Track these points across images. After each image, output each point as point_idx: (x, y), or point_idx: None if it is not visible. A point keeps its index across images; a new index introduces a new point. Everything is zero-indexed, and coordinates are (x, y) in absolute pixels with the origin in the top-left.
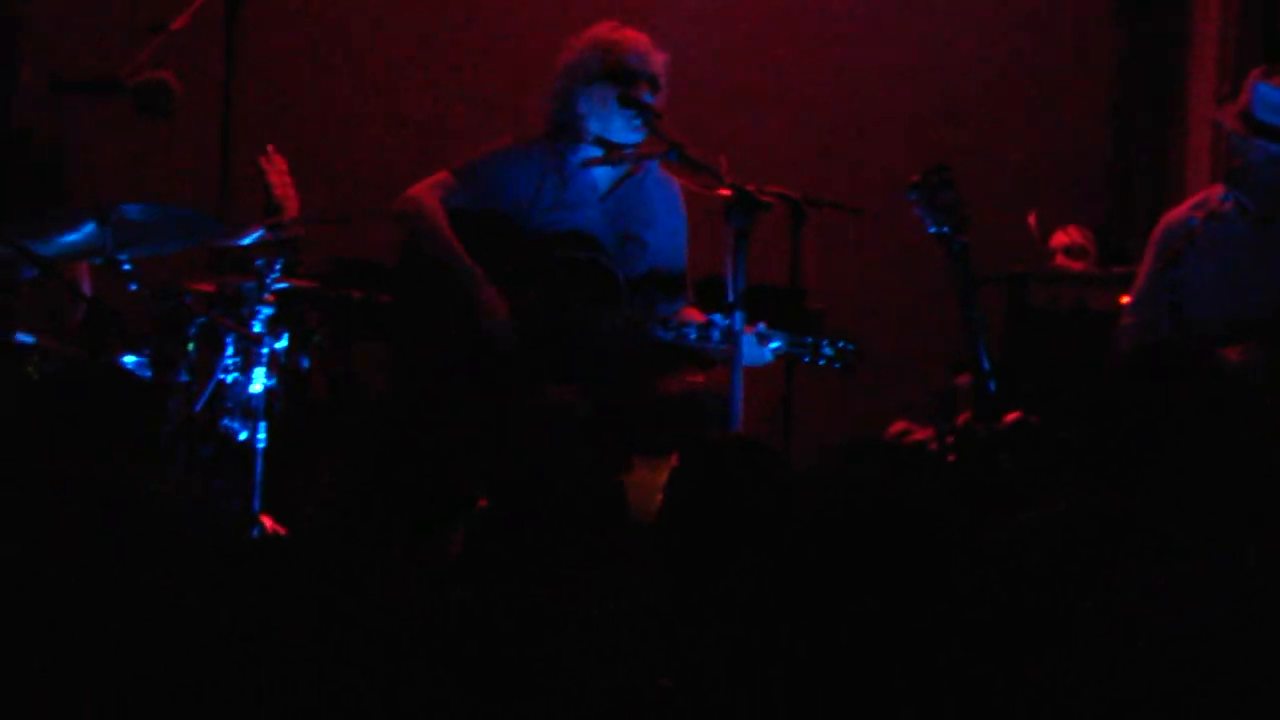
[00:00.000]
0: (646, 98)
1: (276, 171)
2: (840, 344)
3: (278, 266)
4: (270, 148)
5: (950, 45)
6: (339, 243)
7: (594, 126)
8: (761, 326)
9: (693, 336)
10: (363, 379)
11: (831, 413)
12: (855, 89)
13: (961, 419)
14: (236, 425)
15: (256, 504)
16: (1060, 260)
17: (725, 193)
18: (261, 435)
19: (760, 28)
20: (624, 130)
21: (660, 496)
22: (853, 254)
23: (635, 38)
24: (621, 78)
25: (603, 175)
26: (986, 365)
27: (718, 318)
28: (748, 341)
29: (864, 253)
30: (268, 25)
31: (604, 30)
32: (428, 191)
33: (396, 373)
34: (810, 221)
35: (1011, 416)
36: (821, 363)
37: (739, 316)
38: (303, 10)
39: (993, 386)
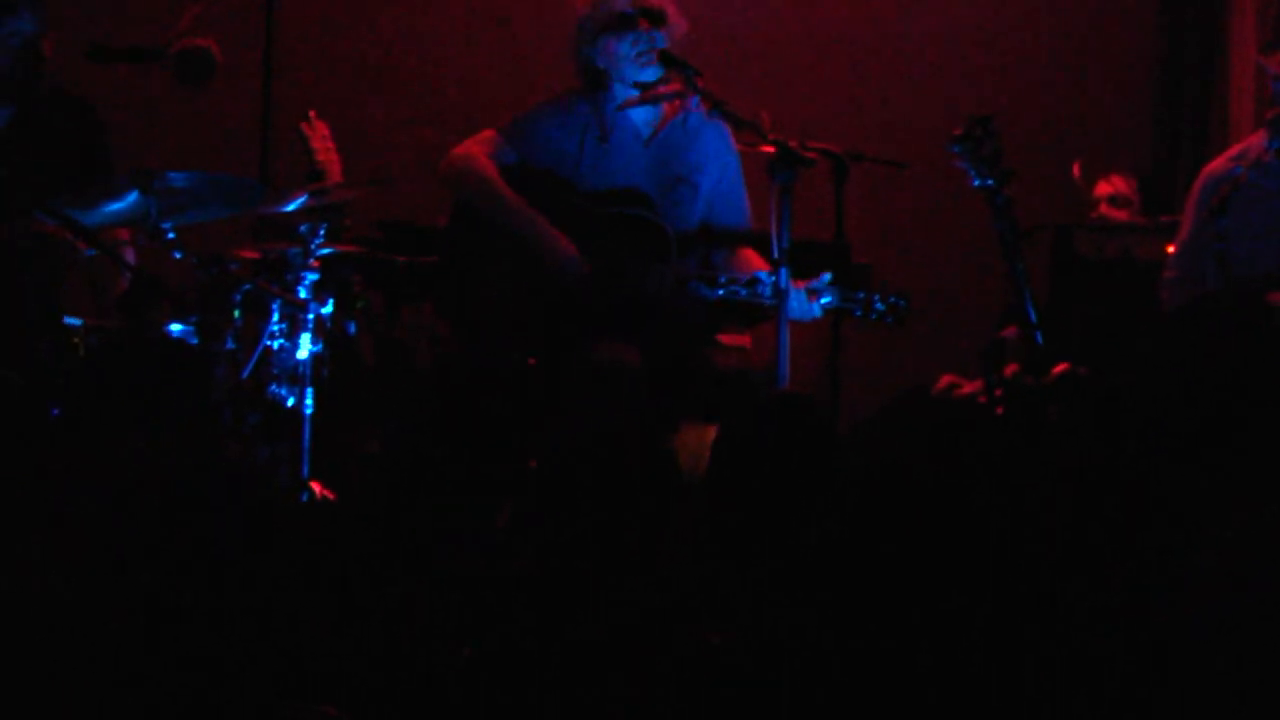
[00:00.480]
0: (657, 39)
1: (319, 137)
2: (892, 299)
3: (322, 232)
4: (312, 113)
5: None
6: (383, 207)
7: (623, 75)
8: (823, 279)
9: (743, 294)
10: (410, 344)
11: (879, 367)
12: (897, 45)
13: (1009, 371)
14: (284, 391)
15: (305, 470)
16: (1104, 210)
17: (768, 149)
18: (309, 401)
19: None
20: (642, 71)
21: (708, 458)
22: (897, 208)
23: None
24: (618, 25)
25: (644, 121)
26: (1033, 317)
27: (764, 274)
28: (798, 297)
29: (908, 206)
30: None
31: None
32: (477, 148)
33: (445, 336)
34: (853, 176)
35: (1060, 368)
36: (873, 318)
37: (784, 273)
38: None
39: (1040, 338)
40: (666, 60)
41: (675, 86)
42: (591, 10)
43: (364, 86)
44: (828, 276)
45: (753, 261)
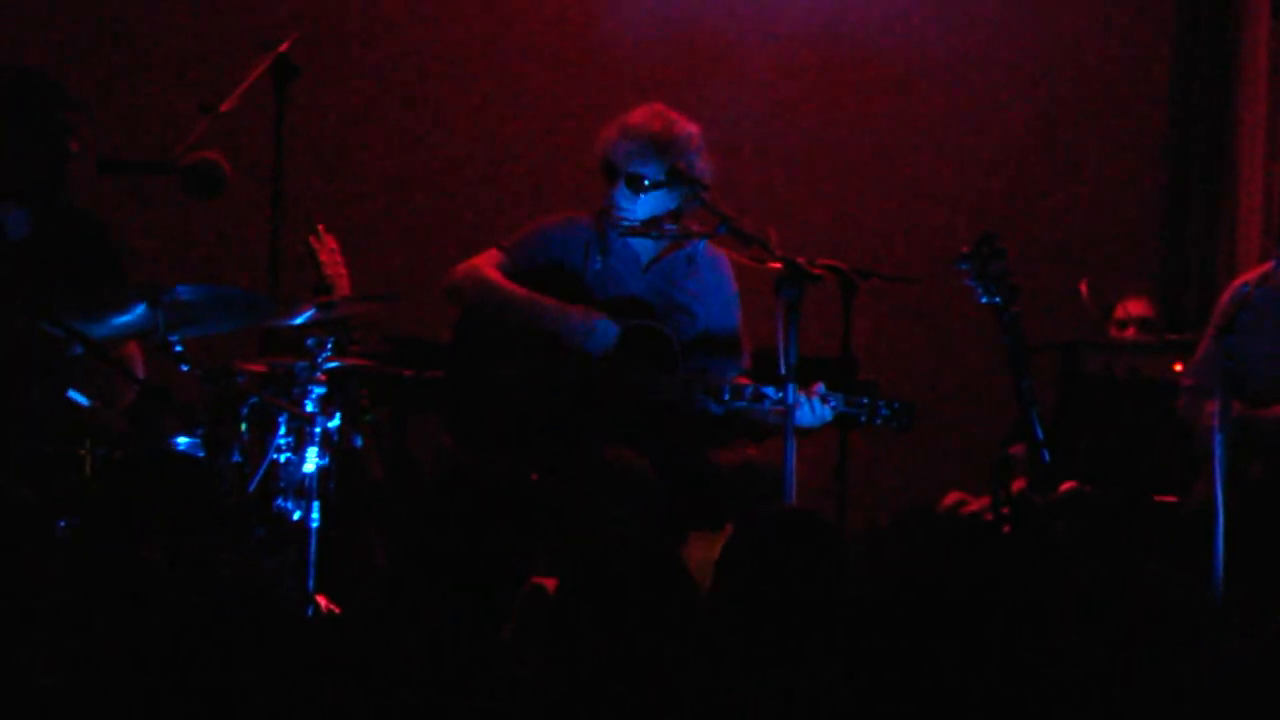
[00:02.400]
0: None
1: (327, 250)
2: (897, 404)
3: (329, 345)
4: (320, 227)
5: (996, 98)
6: (391, 321)
7: (631, 209)
8: (821, 387)
9: (751, 409)
10: (418, 457)
11: (886, 482)
12: (898, 144)
13: (1016, 488)
14: (290, 505)
15: (311, 583)
16: (1131, 334)
17: (775, 265)
18: (315, 515)
19: (796, 86)
20: (664, 201)
21: (713, 571)
22: (904, 324)
23: (679, 133)
24: (677, 181)
25: (645, 248)
26: (1040, 434)
27: (770, 390)
28: (808, 402)
29: (914, 322)
30: (316, 103)
31: (645, 122)
32: (483, 263)
33: (450, 449)
34: (861, 291)
35: (1066, 486)
36: (879, 422)
37: (791, 389)
38: (350, 86)
39: (1047, 456)
40: (677, 177)
41: (686, 228)
42: (624, 153)
43: (373, 198)
44: (822, 387)
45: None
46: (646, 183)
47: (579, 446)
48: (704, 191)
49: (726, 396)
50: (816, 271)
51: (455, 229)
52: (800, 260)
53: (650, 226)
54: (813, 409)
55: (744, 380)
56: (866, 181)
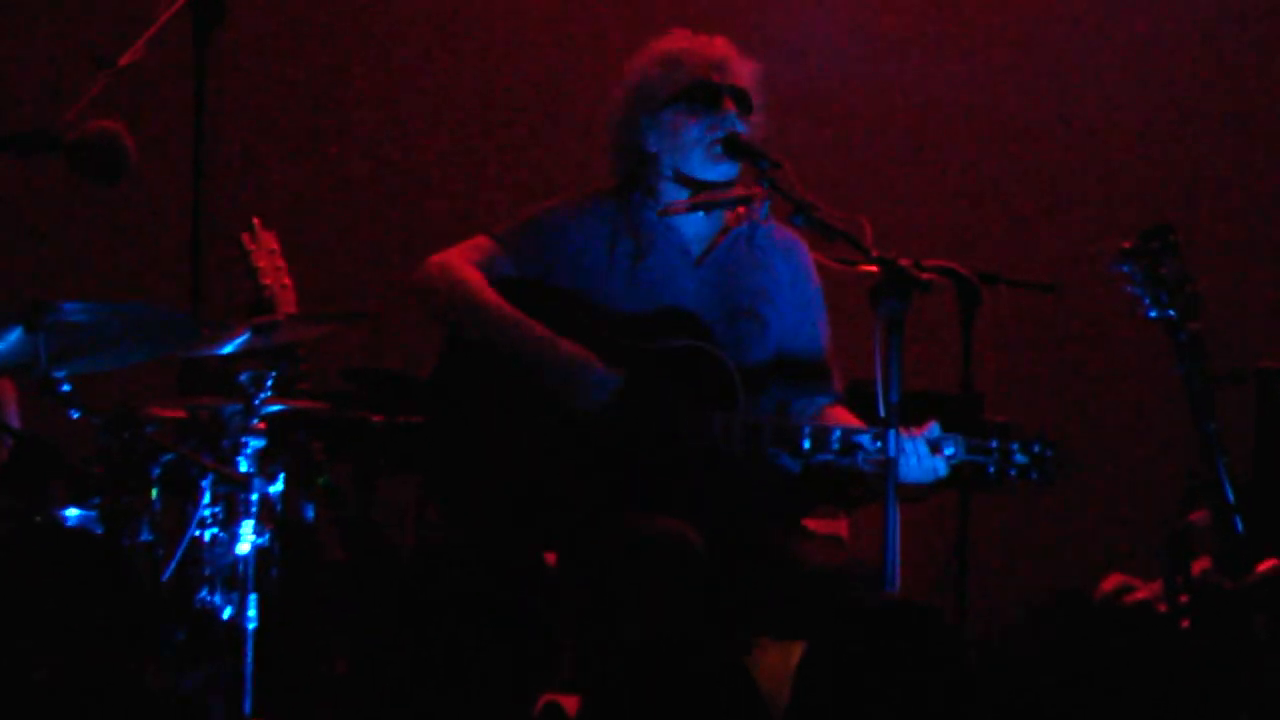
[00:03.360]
0: (735, 124)
1: (264, 252)
2: (1036, 446)
3: (269, 382)
4: (256, 221)
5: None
6: (354, 348)
7: (671, 164)
8: (934, 429)
9: (839, 462)
10: (390, 532)
11: (1021, 562)
12: (1032, 126)
13: (1199, 569)
14: (218, 599)
15: (248, 703)
16: None
17: (870, 269)
18: (251, 612)
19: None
20: (712, 166)
21: (790, 688)
22: (1038, 346)
23: (710, 42)
24: (698, 96)
25: (695, 234)
26: (1231, 496)
27: (865, 440)
28: (914, 450)
29: (1051, 343)
30: (251, 61)
31: (671, 40)
32: (460, 254)
33: (433, 521)
34: (986, 304)
35: (1266, 565)
36: (1013, 473)
37: (893, 437)
38: (298, 37)
39: (1240, 525)
40: (734, 147)
41: (741, 190)
42: (657, 75)
43: (322, 184)
44: (935, 428)
45: (845, 421)
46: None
47: (608, 518)
48: (773, 169)
49: (807, 446)
50: (926, 276)
51: (437, 226)
52: (904, 262)
53: (697, 196)
54: (920, 459)
55: (834, 417)
56: (995, 171)
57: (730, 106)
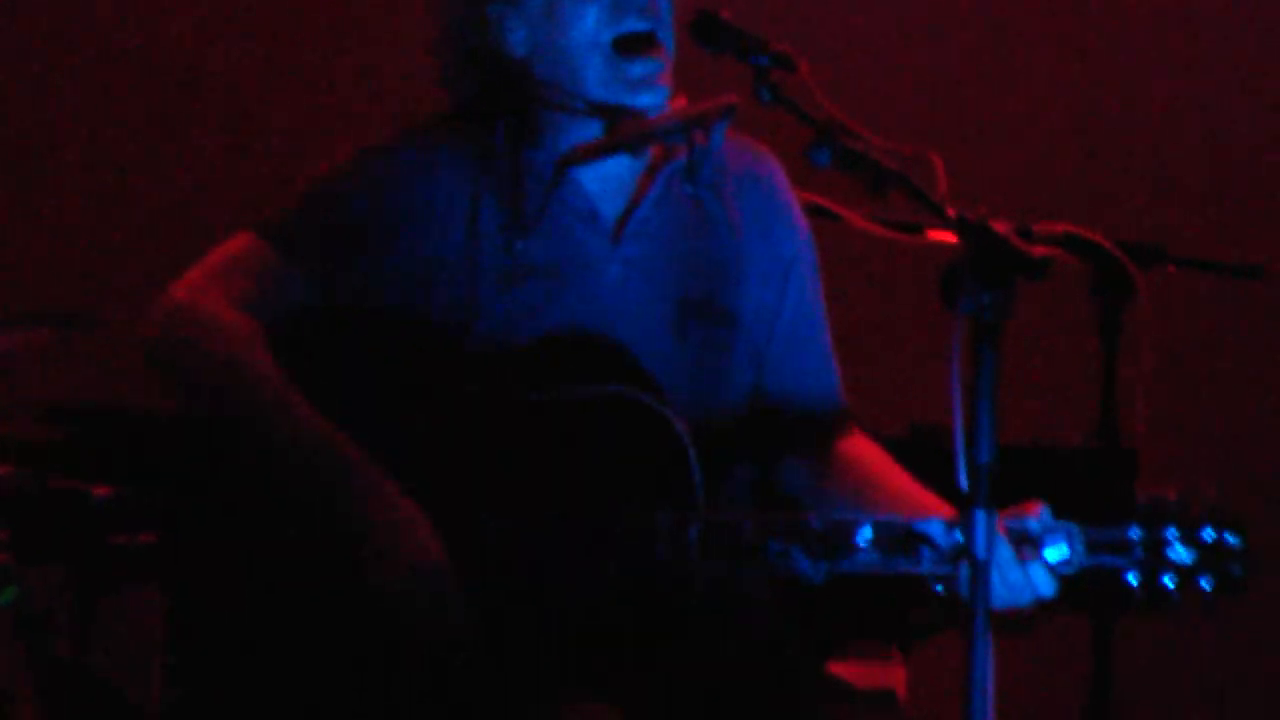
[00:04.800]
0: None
1: None
2: (1209, 533)
3: None
4: None
5: None
6: (64, 373)
7: (553, 77)
8: (1043, 515)
9: (868, 562)
10: (118, 680)
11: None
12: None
13: None
14: None
15: None
16: None
17: (943, 237)
18: None
19: None
20: (625, 87)
21: None
22: (1223, 372)
23: None
24: None
25: (603, 182)
26: None
27: (936, 530)
28: (1004, 560)
29: (1250, 365)
30: None
31: None
32: (211, 284)
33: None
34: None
35: None
36: (1170, 581)
37: (982, 520)
38: None
39: None
40: (705, 30)
41: (683, 105)
42: None
43: (47, 133)
44: (1046, 513)
45: (892, 487)
46: None
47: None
48: (769, 63)
49: (818, 529)
50: (1040, 252)
51: (195, 170)
52: (1002, 226)
53: (621, 132)
54: (1004, 570)
55: (863, 472)
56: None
57: None
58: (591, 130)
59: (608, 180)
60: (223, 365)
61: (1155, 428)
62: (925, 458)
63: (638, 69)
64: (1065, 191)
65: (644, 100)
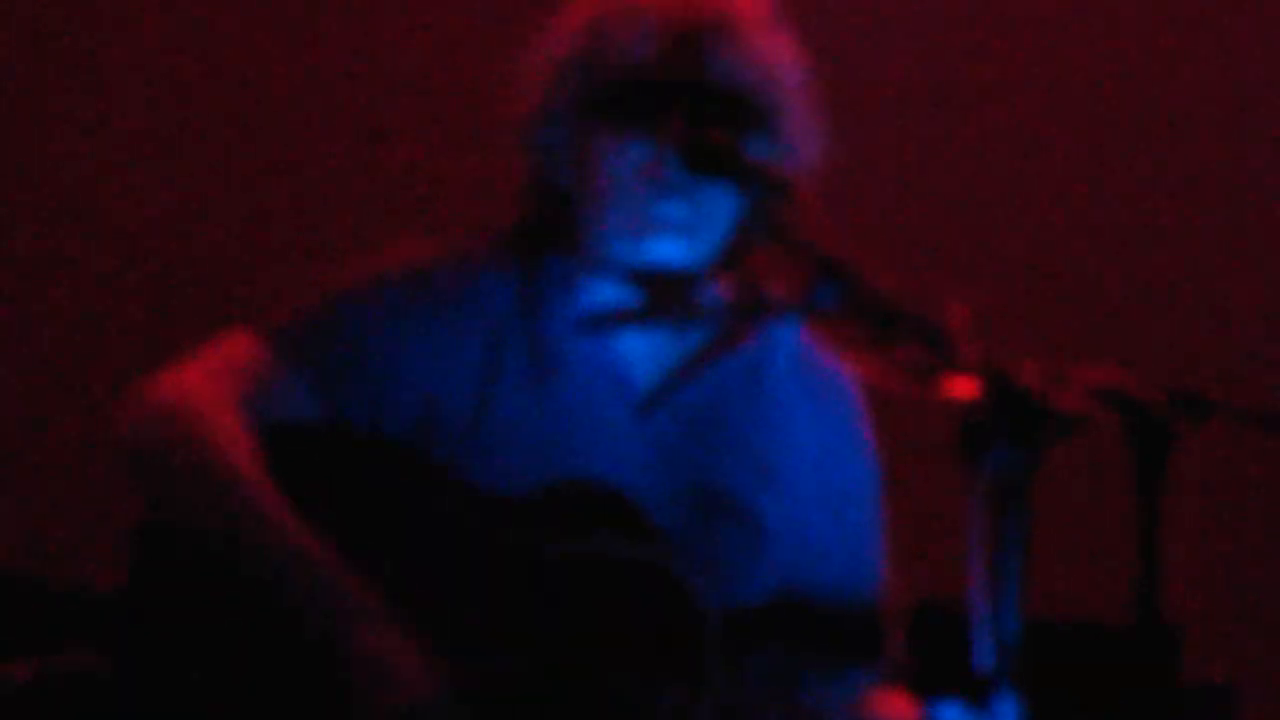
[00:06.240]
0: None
1: None
2: None
3: None
4: None
5: None
6: None
7: (593, 224)
8: None
9: None
10: None
11: None
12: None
13: None
14: None
15: None
16: None
17: (964, 386)
18: None
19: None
20: (631, 239)
21: None
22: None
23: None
24: (624, 100)
25: (643, 350)
26: None
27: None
28: None
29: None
30: None
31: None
32: (207, 383)
33: None
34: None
35: None
36: None
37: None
38: None
39: None
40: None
41: (749, 299)
42: (577, 51)
43: None
44: None
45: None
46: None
47: None
48: (777, 209)
49: None
50: (1074, 404)
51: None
52: (1030, 373)
53: (651, 305)
54: None
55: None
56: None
57: (677, 121)
58: (610, 292)
59: (646, 349)
60: (216, 470)
61: (1200, 600)
62: (936, 635)
63: (663, 209)
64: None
65: (655, 248)
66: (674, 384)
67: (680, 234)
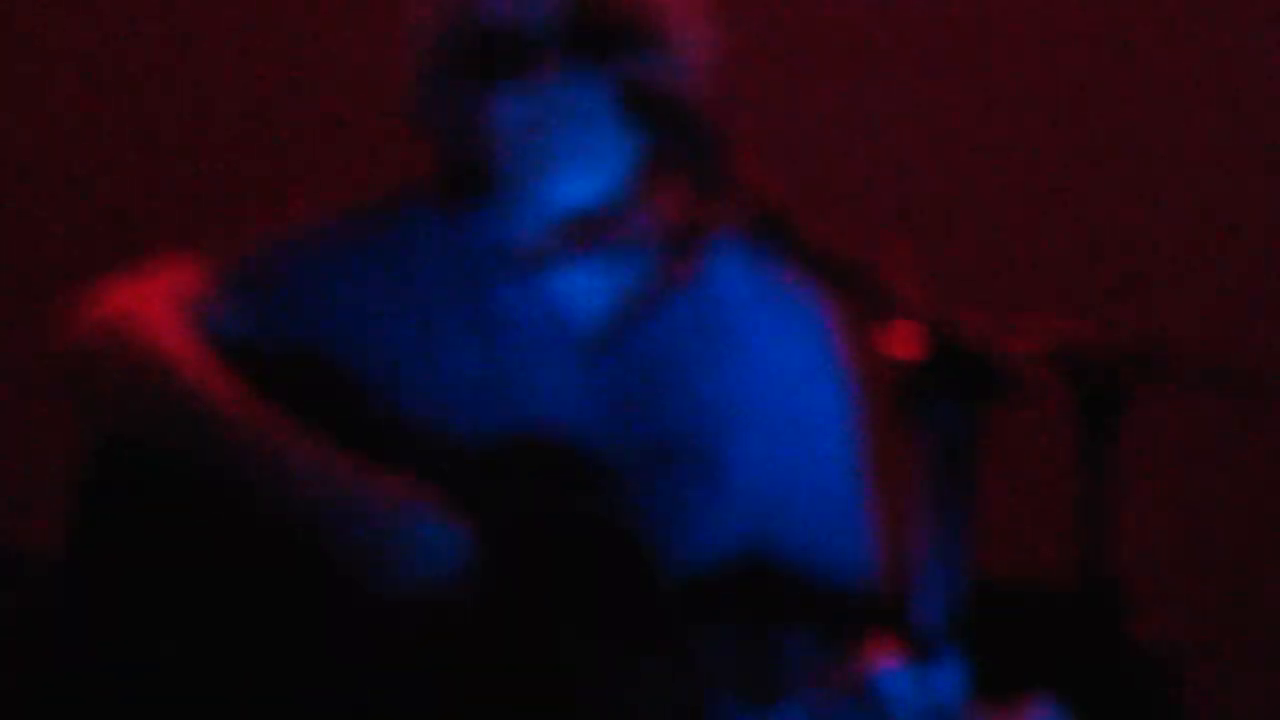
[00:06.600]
0: (515, 100)
1: None
2: None
3: None
4: None
5: None
6: None
7: (502, 179)
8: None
9: None
10: None
11: None
12: None
13: None
14: None
15: None
16: None
17: (906, 338)
18: None
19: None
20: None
21: None
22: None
23: None
24: (466, 51)
25: (580, 292)
26: None
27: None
28: None
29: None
30: None
31: None
32: (150, 297)
33: None
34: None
35: None
36: None
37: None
38: None
39: None
40: (637, 103)
41: (695, 215)
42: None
43: None
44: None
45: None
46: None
47: None
48: (703, 143)
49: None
50: (1019, 359)
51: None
52: (974, 327)
53: (584, 227)
54: None
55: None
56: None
57: (549, 68)
58: (553, 235)
59: (582, 292)
60: (178, 368)
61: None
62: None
63: (551, 153)
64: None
65: (555, 192)
66: (616, 325)
67: (577, 174)
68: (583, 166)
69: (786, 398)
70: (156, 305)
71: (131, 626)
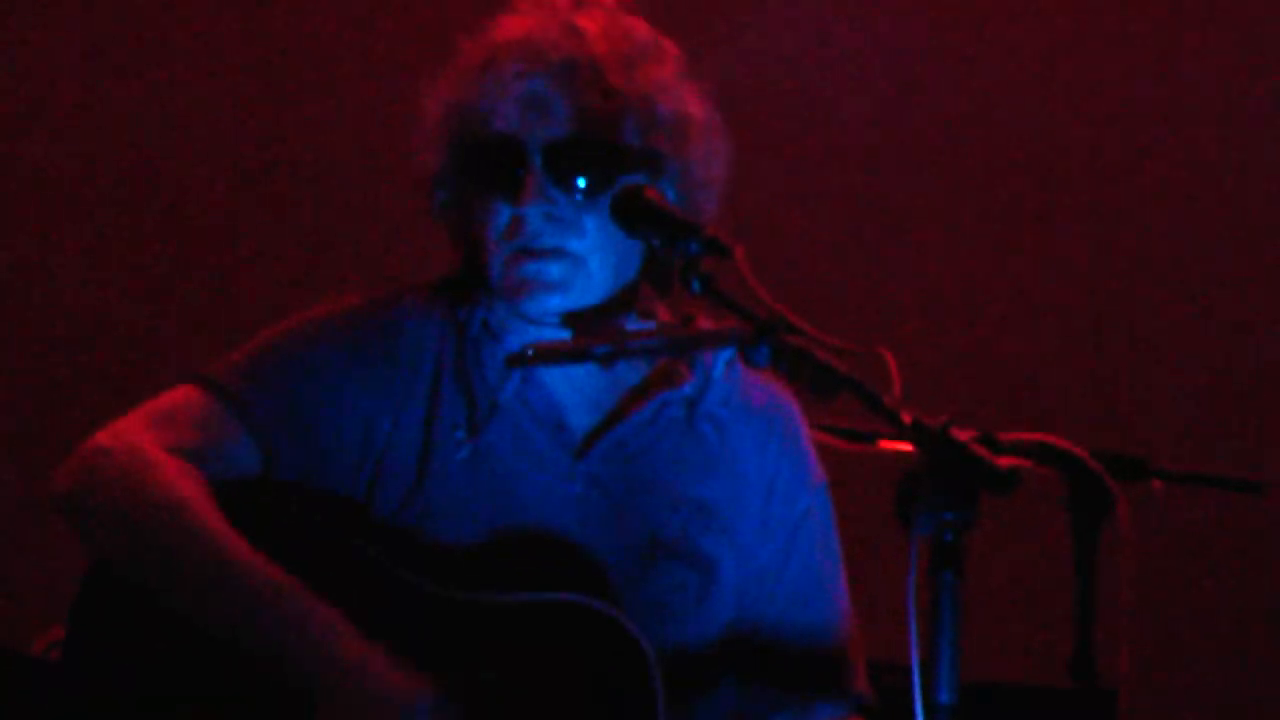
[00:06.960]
0: (530, 228)
1: None
2: None
3: None
4: None
5: None
6: None
7: (492, 283)
8: None
9: None
10: None
11: None
12: None
13: None
14: None
15: None
16: None
17: (897, 445)
18: None
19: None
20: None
21: None
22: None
23: (520, 28)
24: (473, 159)
25: (580, 388)
26: None
27: None
28: None
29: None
30: None
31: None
32: (150, 433)
33: None
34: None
35: None
36: None
37: None
38: None
39: None
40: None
41: (688, 328)
42: (451, 100)
43: None
44: None
45: None
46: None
47: None
48: (704, 244)
49: None
50: (1006, 464)
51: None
52: (962, 433)
53: (577, 342)
54: None
55: None
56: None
57: (529, 189)
58: (556, 332)
59: (580, 390)
60: (171, 513)
61: (1139, 664)
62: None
63: (529, 269)
64: (1038, 398)
65: (532, 306)
66: (609, 424)
67: (553, 290)
68: (558, 287)
69: (766, 498)
70: (158, 445)
71: None
